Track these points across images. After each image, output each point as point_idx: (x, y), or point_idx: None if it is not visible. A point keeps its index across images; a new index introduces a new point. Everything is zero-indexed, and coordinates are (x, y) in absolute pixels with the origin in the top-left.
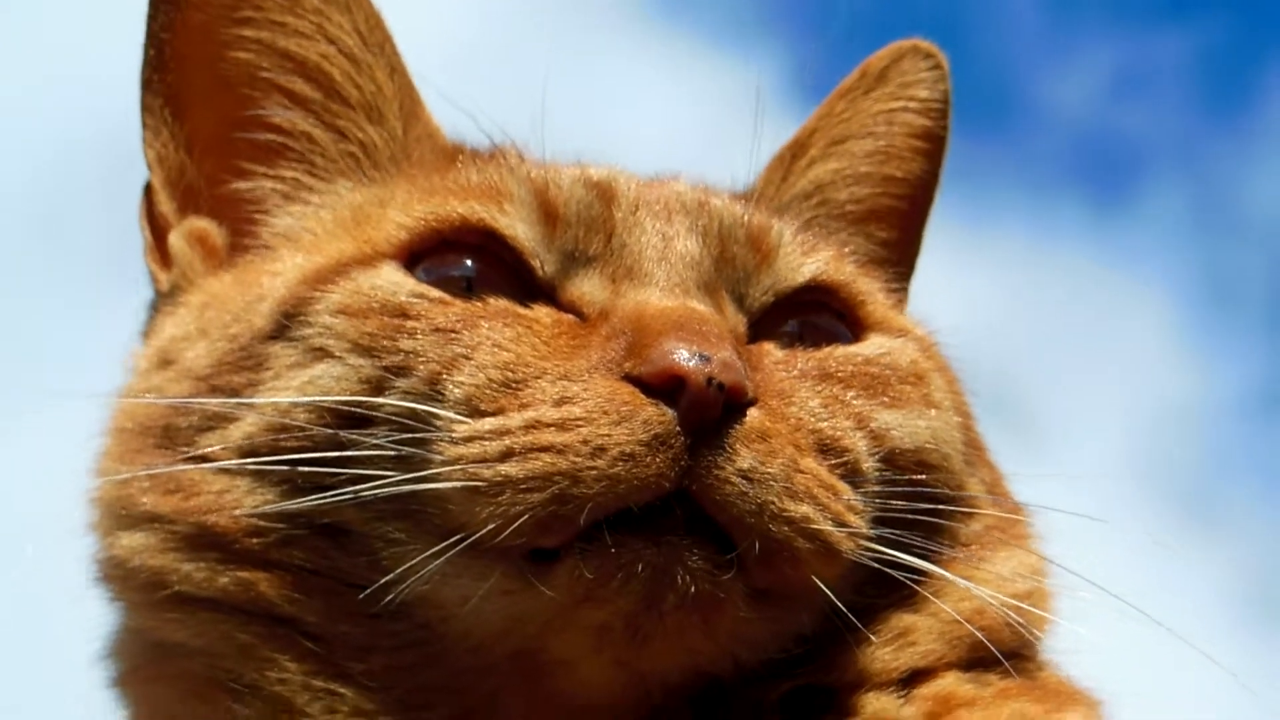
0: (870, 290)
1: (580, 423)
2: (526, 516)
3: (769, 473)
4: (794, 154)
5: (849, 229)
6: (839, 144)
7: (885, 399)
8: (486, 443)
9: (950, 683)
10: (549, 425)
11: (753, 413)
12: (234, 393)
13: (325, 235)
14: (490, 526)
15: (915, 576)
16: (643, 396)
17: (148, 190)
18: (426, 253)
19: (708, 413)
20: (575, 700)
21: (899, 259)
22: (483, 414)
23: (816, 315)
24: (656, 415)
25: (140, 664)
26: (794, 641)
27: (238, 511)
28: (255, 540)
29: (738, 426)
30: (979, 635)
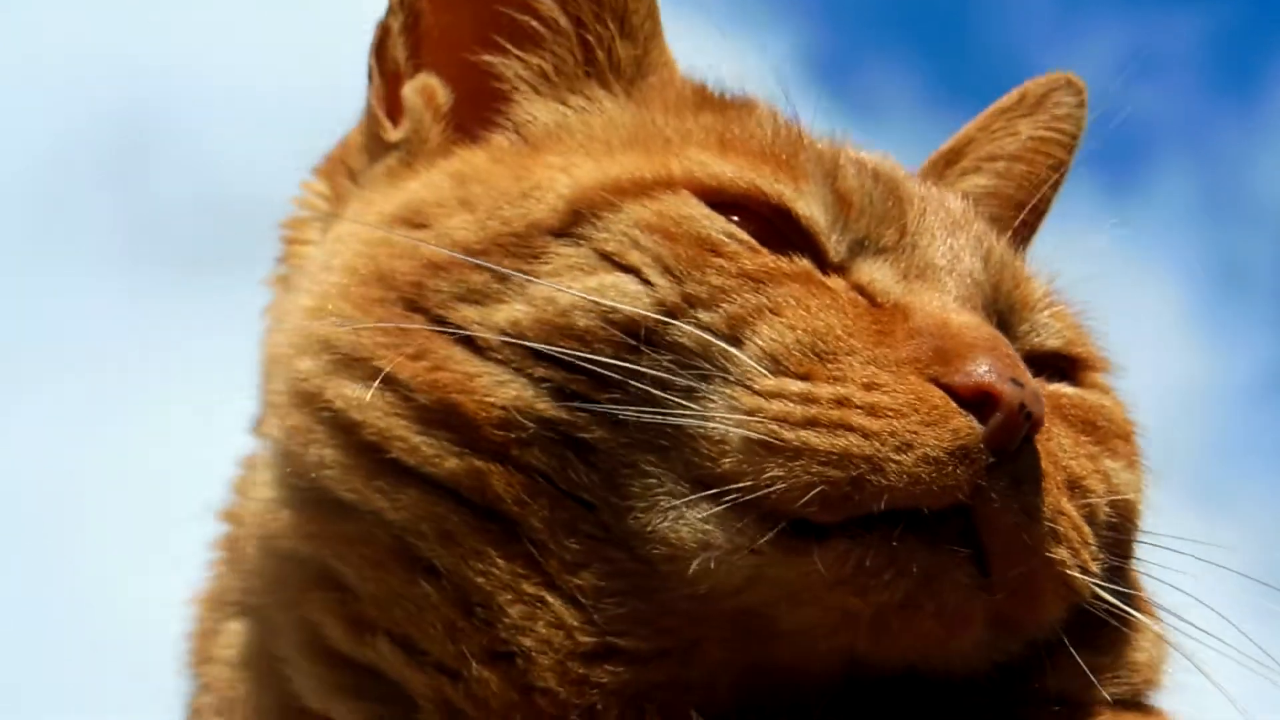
0: (1094, 356)
1: (890, 413)
2: (818, 489)
3: (1043, 512)
4: (948, 161)
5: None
6: (992, 161)
7: (1106, 447)
8: (791, 404)
9: (1101, 709)
10: (857, 407)
11: (1038, 446)
12: (503, 276)
13: (602, 144)
14: (776, 486)
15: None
16: (954, 404)
17: (383, 31)
18: (714, 206)
19: (1012, 438)
20: (780, 666)
21: None
22: (788, 374)
23: (1043, 372)
24: (966, 426)
25: (314, 515)
26: (996, 666)
27: (488, 399)
28: (499, 432)
29: (1031, 457)
30: (1148, 685)
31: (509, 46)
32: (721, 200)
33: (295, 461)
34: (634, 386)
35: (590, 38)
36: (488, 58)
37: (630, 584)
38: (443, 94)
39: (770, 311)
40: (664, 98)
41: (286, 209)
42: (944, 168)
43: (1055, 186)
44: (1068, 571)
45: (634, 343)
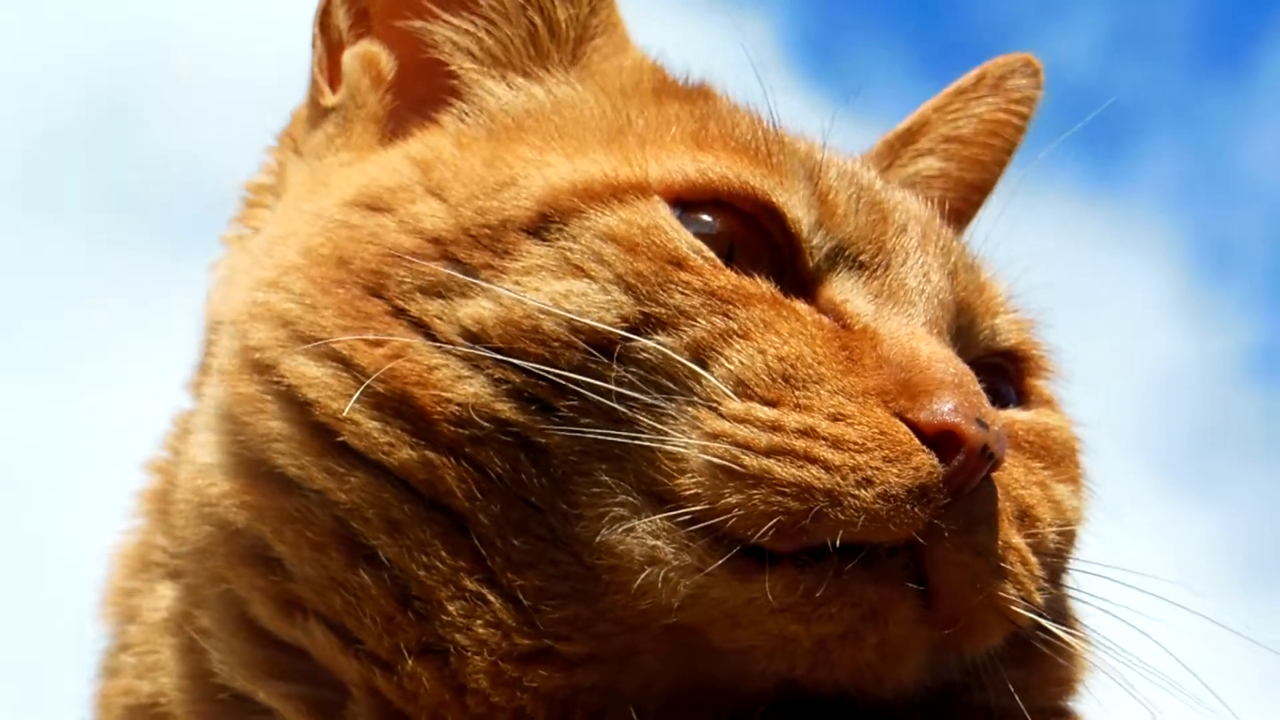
0: (1044, 361)
1: (854, 447)
2: (777, 519)
3: (992, 550)
4: (904, 141)
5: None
6: (946, 144)
7: (1055, 471)
8: (757, 430)
9: None
10: (822, 438)
11: (992, 481)
12: (471, 270)
13: (576, 139)
14: (734, 514)
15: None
16: (917, 441)
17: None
18: (695, 204)
19: (972, 480)
20: (713, 680)
21: None
22: (754, 400)
23: (988, 375)
24: (929, 465)
25: (253, 485)
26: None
27: (446, 395)
28: (454, 428)
29: (988, 497)
30: (1074, 692)
31: (445, 14)
32: (701, 198)
33: (241, 429)
34: (594, 398)
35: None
36: (429, 26)
37: (573, 588)
38: (386, 61)
39: (738, 335)
40: (615, 74)
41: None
42: (900, 147)
43: (1003, 166)
44: (1012, 607)
45: (599, 353)
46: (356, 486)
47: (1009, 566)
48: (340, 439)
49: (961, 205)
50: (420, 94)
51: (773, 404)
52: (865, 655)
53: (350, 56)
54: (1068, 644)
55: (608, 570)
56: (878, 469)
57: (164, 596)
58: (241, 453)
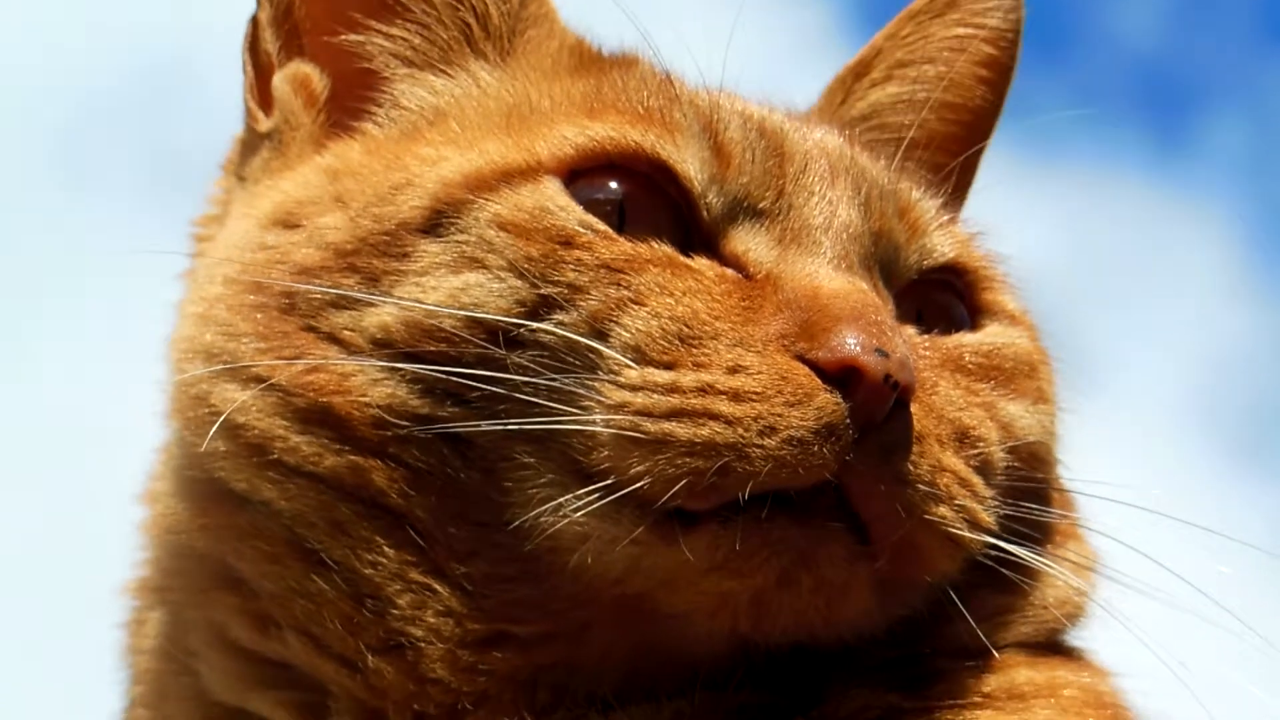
0: (993, 274)
1: (754, 397)
2: (685, 480)
3: (919, 474)
4: (856, 75)
5: (915, 153)
6: (902, 67)
7: (1007, 390)
8: (656, 395)
9: (1011, 653)
10: (722, 393)
11: (911, 409)
12: (373, 277)
13: (474, 129)
14: (643, 481)
15: (1017, 566)
16: (819, 381)
17: (254, 24)
18: (587, 172)
19: (879, 410)
20: (666, 646)
21: (952, 185)
22: (653, 364)
23: (939, 293)
24: (831, 403)
25: (204, 507)
26: (899, 620)
27: (362, 400)
28: (375, 431)
29: (901, 425)
30: (1063, 621)
31: (377, 24)
32: (594, 164)
33: (189, 456)
34: (502, 389)
35: (455, 1)
36: (357, 38)
37: (520, 570)
38: (319, 81)
39: (632, 302)
40: (542, 60)
41: None
42: (853, 82)
43: (993, 86)
44: (951, 529)
45: (502, 342)
46: (297, 494)
47: (942, 489)
48: (273, 457)
49: (940, 125)
50: (355, 106)
51: (670, 366)
52: (805, 599)
53: (280, 79)
54: (1035, 565)
55: (547, 551)
56: (779, 415)
57: (157, 624)
58: (193, 476)
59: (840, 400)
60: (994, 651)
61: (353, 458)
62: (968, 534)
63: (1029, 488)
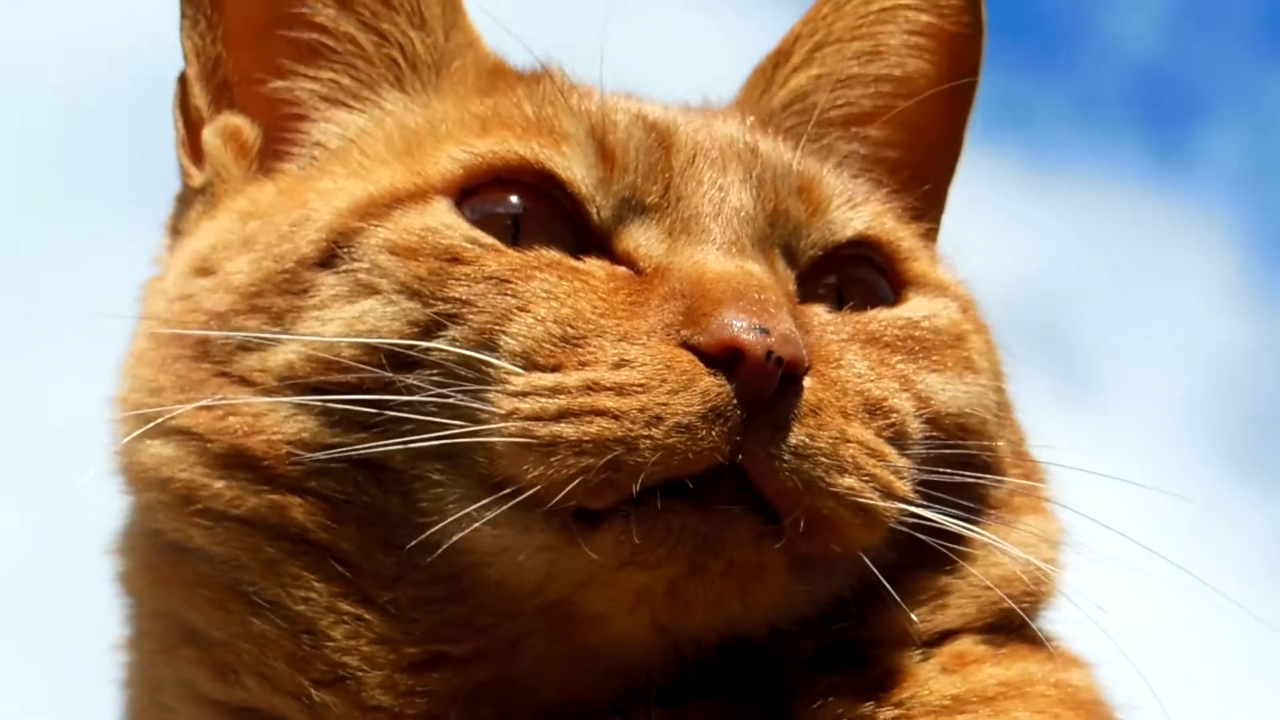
0: (913, 246)
1: (638, 388)
2: (578, 480)
3: (818, 447)
4: (775, 63)
5: (837, 132)
6: (821, 48)
7: (928, 362)
8: (543, 399)
9: (967, 643)
10: (607, 388)
11: (806, 383)
12: (277, 316)
13: (374, 159)
14: (539, 486)
15: (951, 540)
16: (702, 366)
17: (182, 81)
18: (478, 189)
19: (764, 387)
20: (600, 651)
21: (908, 161)
22: (539, 368)
23: (857, 269)
24: (715, 386)
25: (154, 562)
26: (831, 602)
27: (275, 437)
28: (290, 467)
29: (791, 400)
30: (1008, 602)
31: (296, 67)
32: (483, 181)
33: (135, 510)
34: (410, 407)
35: (376, 37)
36: (277, 84)
37: (446, 590)
38: (249, 131)
39: (519, 310)
40: (461, 87)
41: None
42: (772, 71)
43: (930, 53)
44: (861, 500)
45: (401, 364)
46: (226, 538)
47: (848, 459)
48: (200, 505)
49: (877, 100)
50: (283, 150)
51: (556, 369)
52: (718, 584)
53: (210, 133)
54: (967, 535)
55: (468, 567)
56: (664, 404)
57: (135, 682)
58: (140, 532)
59: (724, 382)
60: (930, 636)
61: (271, 496)
62: (880, 503)
63: (960, 457)
